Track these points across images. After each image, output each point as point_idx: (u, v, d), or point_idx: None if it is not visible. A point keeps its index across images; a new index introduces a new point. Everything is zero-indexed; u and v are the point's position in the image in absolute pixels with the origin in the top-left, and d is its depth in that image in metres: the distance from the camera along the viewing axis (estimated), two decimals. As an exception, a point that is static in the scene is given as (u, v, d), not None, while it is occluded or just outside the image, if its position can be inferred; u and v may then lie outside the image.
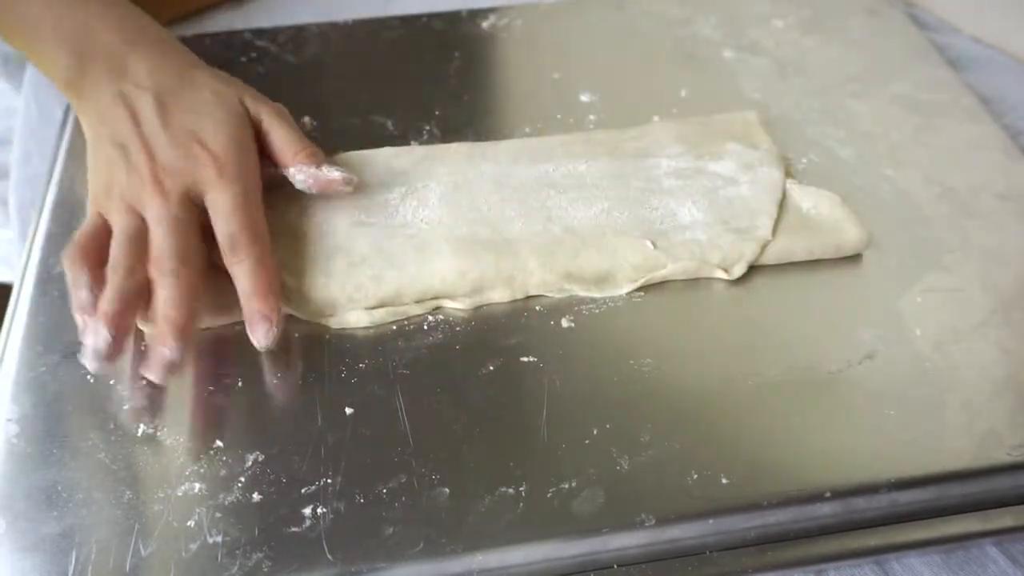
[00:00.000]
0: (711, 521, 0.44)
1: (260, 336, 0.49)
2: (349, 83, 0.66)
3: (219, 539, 0.43)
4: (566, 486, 0.44)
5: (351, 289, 0.52)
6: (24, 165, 0.71)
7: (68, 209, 0.59)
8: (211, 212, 0.52)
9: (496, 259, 0.53)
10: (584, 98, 0.66)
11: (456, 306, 0.52)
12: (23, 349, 0.51)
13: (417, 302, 0.52)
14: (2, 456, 0.46)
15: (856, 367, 0.49)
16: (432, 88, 0.67)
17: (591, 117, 0.64)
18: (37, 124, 0.72)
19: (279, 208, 0.56)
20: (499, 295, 0.53)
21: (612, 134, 0.61)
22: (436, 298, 0.53)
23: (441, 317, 0.52)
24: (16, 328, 0.52)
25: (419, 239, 0.54)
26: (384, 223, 0.55)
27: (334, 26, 0.72)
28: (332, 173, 0.55)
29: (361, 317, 0.52)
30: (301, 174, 0.55)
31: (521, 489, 0.44)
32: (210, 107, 0.54)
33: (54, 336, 0.52)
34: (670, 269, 0.53)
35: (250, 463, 0.46)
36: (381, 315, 0.52)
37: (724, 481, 0.45)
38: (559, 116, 0.65)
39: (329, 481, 0.45)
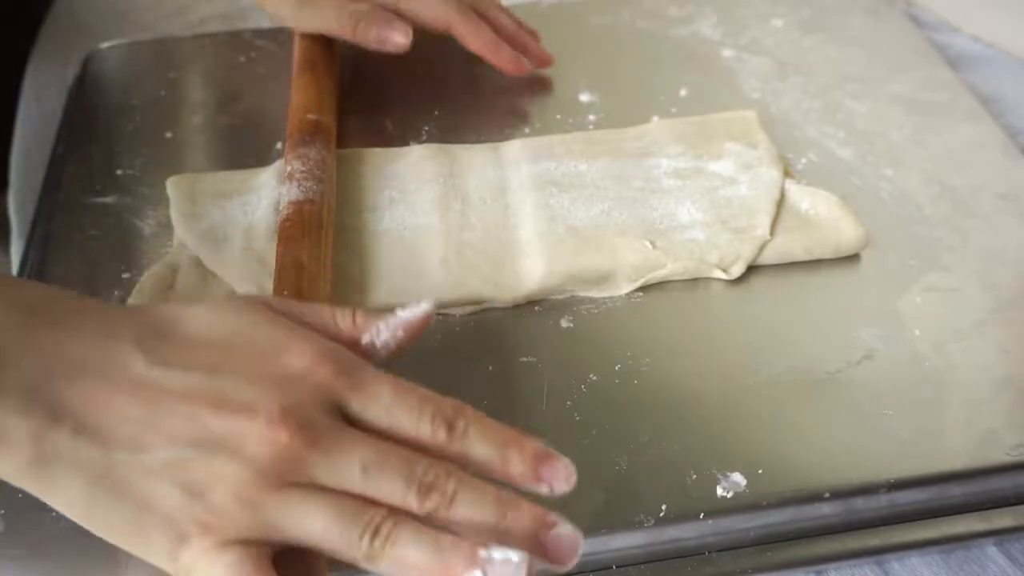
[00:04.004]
0: (710, 521, 0.44)
1: None
2: (349, 83, 0.66)
3: (218, 539, 0.43)
4: (565, 486, 0.44)
5: (339, 300, 0.51)
6: (24, 165, 0.71)
7: (68, 209, 0.59)
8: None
9: (492, 268, 0.53)
10: (584, 98, 0.66)
11: (453, 312, 0.52)
12: (22, 349, 0.51)
13: None
14: (1, 456, 0.46)
15: (855, 367, 0.49)
16: (432, 88, 0.67)
17: (591, 117, 0.64)
18: (37, 124, 0.72)
19: (262, 210, 0.56)
20: (499, 302, 0.52)
21: (612, 134, 0.61)
22: None
23: (440, 318, 0.52)
24: (15, 328, 0.52)
25: (405, 245, 0.54)
26: (372, 228, 0.55)
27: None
28: (418, 311, 0.41)
29: None
30: (385, 333, 0.41)
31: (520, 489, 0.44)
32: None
33: (53, 336, 0.52)
34: (669, 269, 0.53)
35: (249, 463, 0.46)
36: (377, 320, 0.51)
37: (723, 481, 0.44)
38: (558, 116, 0.65)
39: (328, 481, 0.45)
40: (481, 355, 0.50)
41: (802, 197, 0.56)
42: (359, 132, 0.63)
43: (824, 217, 0.55)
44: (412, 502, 0.36)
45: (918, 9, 0.76)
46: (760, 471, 0.45)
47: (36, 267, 0.56)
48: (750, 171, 0.57)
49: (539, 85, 0.67)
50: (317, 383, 0.37)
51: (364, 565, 0.35)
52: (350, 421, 0.37)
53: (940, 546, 0.46)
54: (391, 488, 0.36)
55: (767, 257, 0.54)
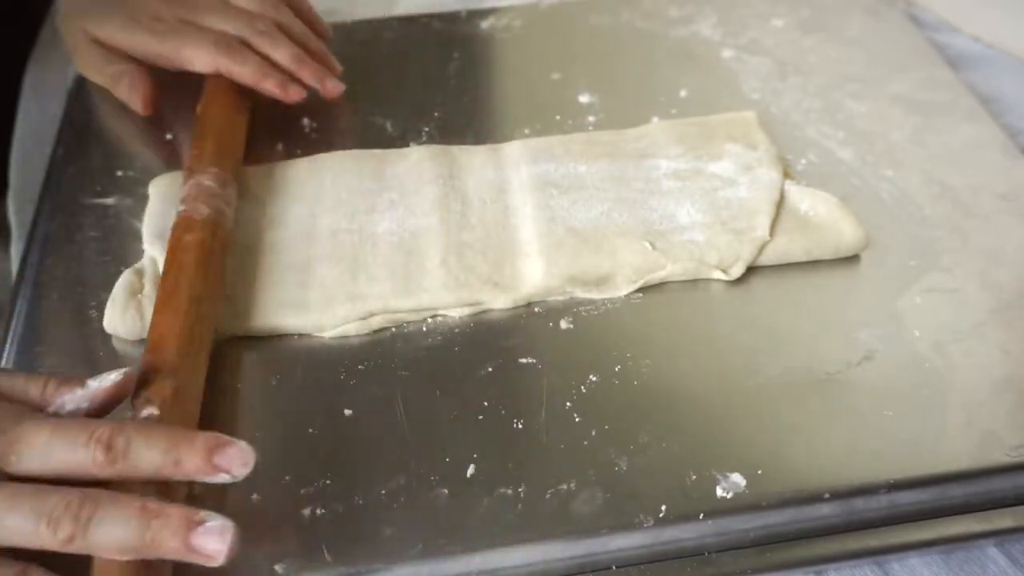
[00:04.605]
0: (710, 522, 0.44)
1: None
2: (348, 84, 0.66)
3: (218, 540, 0.43)
4: (565, 487, 0.44)
5: (338, 304, 0.51)
6: (24, 166, 0.71)
7: (68, 210, 0.59)
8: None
9: (492, 269, 0.53)
10: (583, 99, 0.66)
11: (452, 314, 0.52)
12: (22, 350, 0.51)
13: (410, 312, 0.52)
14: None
15: (855, 368, 0.49)
16: (431, 89, 0.67)
17: (590, 118, 0.64)
18: (37, 124, 0.72)
19: (254, 219, 0.56)
20: (499, 303, 0.52)
21: (612, 135, 0.61)
22: (429, 309, 0.52)
23: (440, 319, 0.52)
24: (15, 329, 0.52)
25: (406, 248, 0.54)
26: (371, 230, 0.55)
27: (334, 27, 0.72)
28: (105, 381, 0.42)
29: (361, 327, 0.51)
30: (70, 405, 0.42)
31: (520, 490, 0.44)
32: None
33: (53, 337, 0.52)
34: (669, 270, 0.53)
35: (249, 464, 0.46)
36: (377, 322, 0.51)
37: (723, 482, 0.44)
38: (558, 117, 0.65)
39: (328, 482, 0.45)
40: (481, 356, 0.50)
41: (802, 198, 0.56)
42: (359, 133, 0.64)
43: (824, 218, 0.55)
44: (46, 538, 0.37)
45: (918, 9, 0.76)
46: (760, 472, 0.45)
47: (36, 267, 0.56)
48: (750, 172, 0.57)
49: (539, 86, 0.67)
50: None
51: None
52: (16, 479, 0.38)
53: (940, 547, 0.46)
54: (21, 529, 0.37)
55: (767, 258, 0.54)
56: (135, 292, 0.52)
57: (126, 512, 0.37)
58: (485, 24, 0.73)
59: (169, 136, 0.65)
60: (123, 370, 0.43)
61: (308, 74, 0.63)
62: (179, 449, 0.39)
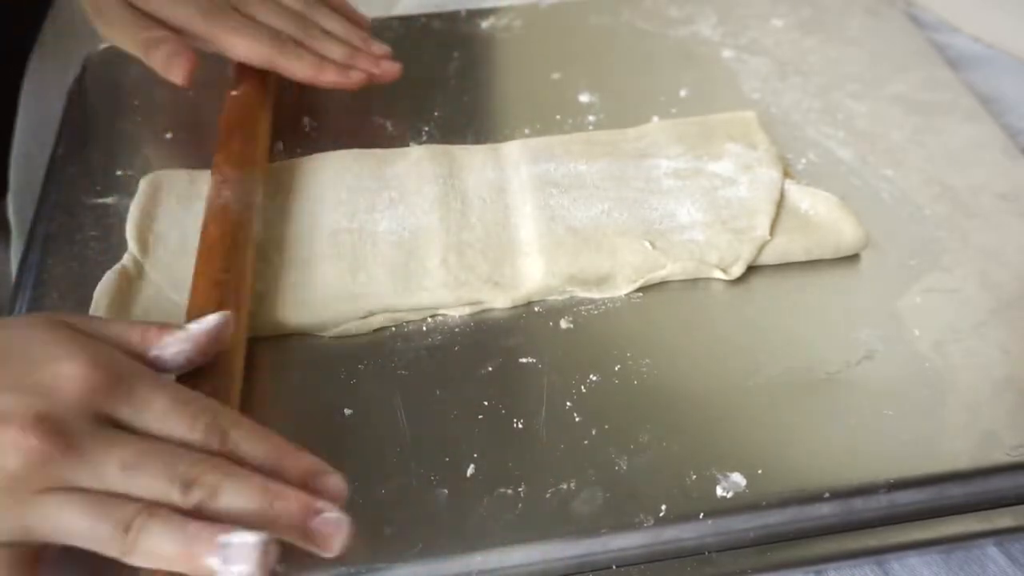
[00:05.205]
0: (710, 522, 0.44)
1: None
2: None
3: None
4: (565, 487, 0.44)
5: (338, 303, 0.52)
6: (24, 166, 0.71)
7: (68, 210, 0.59)
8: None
9: (492, 269, 0.53)
10: (583, 98, 0.66)
11: (453, 313, 0.52)
12: (22, 350, 0.51)
13: (410, 311, 0.52)
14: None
15: (855, 367, 0.49)
16: (431, 89, 0.67)
17: (590, 118, 0.64)
18: (37, 124, 0.72)
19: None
20: (499, 303, 0.52)
21: (612, 134, 0.61)
22: (429, 308, 0.52)
23: (440, 318, 0.52)
24: (15, 329, 0.52)
25: (406, 247, 0.54)
26: (371, 229, 0.55)
27: (333, 27, 0.72)
28: (205, 324, 0.43)
29: (361, 326, 0.51)
30: (173, 346, 0.42)
31: (520, 490, 0.44)
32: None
33: (53, 337, 0.52)
34: (669, 269, 0.53)
35: (249, 464, 0.46)
36: (377, 321, 0.51)
37: (723, 481, 0.44)
38: (558, 117, 0.65)
39: (328, 482, 0.45)
40: (481, 356, 0.50)
41: (802, 197, 0.56)
42: (359, 132, 0.64)
43: (824, 218, 0.55)
44: (175, 497, 0.37)
45: (918, 9, 0.76)
46: (760, 471, 0.45)
47: (36, 267, 0.56)
48: (750, 172, 0.57)
49: (539, 85, 0.67)
50: (84, 391, 0.38)
51: (122, 559, 0.37)
52: (123, 428, 0.38)
53: (940, 546, 0.46)
54: (152, 485, 0.37)
55: (767, 257, 0.54)
56: (116, 290, 0.52)
57: (249, 486, 0.37)
58: (485, 24, 0.73)
59: (169, 135, 0.65)
60: (222, 313, 0.43)
61: (364, 63, 0.63)
62: (284, 460, 0.39)
